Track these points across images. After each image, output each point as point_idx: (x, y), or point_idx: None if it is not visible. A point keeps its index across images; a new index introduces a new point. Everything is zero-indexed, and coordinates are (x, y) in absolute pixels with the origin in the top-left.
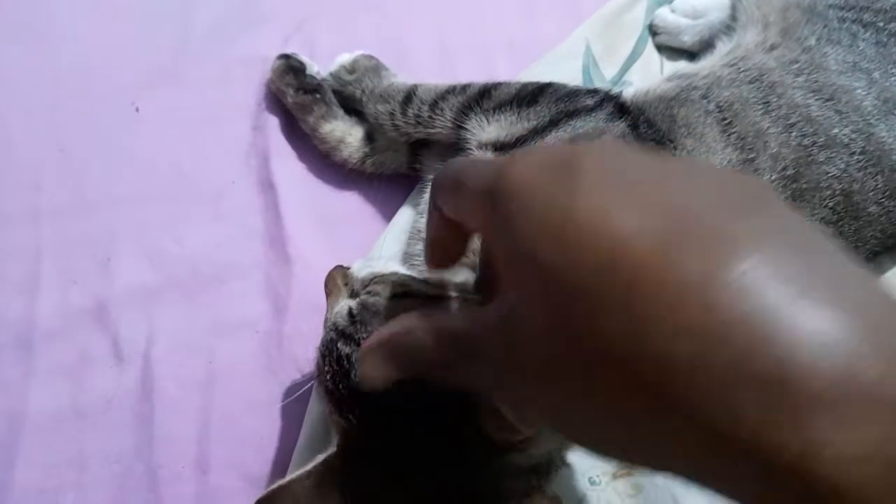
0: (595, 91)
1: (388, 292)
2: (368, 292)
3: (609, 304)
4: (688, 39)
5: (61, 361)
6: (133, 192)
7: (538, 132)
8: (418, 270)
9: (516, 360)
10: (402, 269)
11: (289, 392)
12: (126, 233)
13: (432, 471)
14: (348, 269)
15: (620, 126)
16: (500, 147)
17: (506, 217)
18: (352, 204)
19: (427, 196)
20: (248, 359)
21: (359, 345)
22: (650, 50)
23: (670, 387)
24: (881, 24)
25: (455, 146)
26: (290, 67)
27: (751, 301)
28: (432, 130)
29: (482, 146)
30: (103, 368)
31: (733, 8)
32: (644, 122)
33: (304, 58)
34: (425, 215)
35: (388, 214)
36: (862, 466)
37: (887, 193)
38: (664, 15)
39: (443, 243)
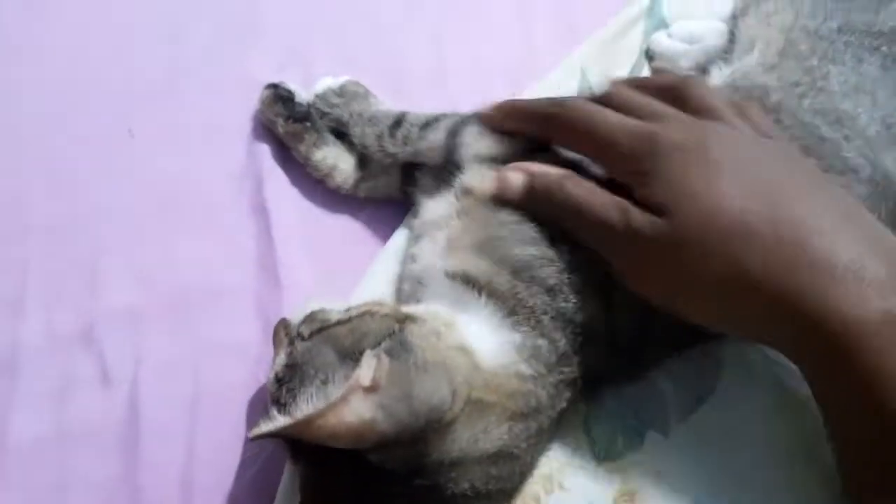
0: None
1: (309, 331)
2: (299, 335)
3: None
4: (684, 64)
5: (46, 384)
6: (124, 212)
7: (536, 150)
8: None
9: (674, 261)
10: (329, 304)
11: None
12: (116, 253)
13: None
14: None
15: None
16: (496, 161)
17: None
18: (345, 228)
19: (418, 221)
20: (236, 383)
21: (285, 406)
22: (646, 74)
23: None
24: (884, 48)
25: (446, 169)
26: (279, 97)
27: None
28: (422, 147)
29: (478, 159)
30: (89, 391)
31: (731, 32)
32: None
33: (293, 86)
34: (417, 242)
35: (382, 239)
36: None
37: (891, 223)
38: (660, 40)
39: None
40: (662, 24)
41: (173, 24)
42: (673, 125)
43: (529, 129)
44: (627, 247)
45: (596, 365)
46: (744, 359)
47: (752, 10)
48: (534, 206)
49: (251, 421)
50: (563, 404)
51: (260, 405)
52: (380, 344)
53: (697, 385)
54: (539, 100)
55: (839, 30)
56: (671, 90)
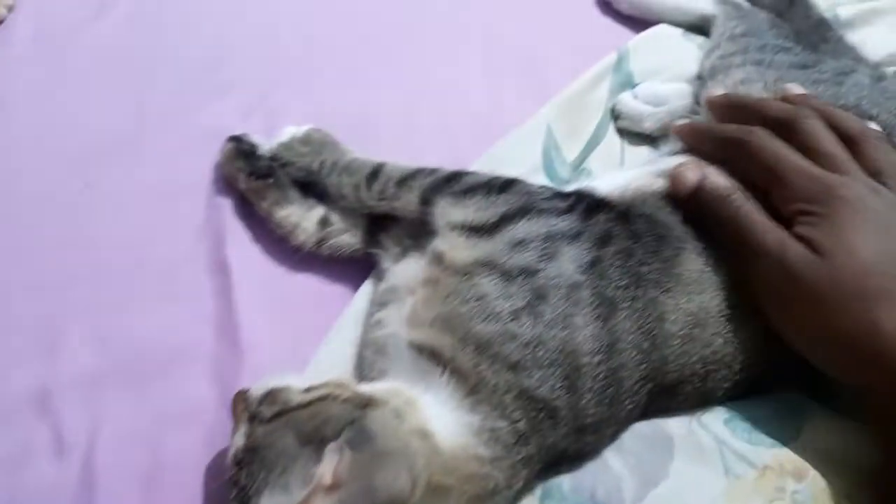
0: (565, 194)
1: (269, 413)
2: (259, 417)
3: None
4: (649, 126)
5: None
6: (81, 272)
7: (507, 218)
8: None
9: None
10: (289, 380)
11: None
12: (73, 315)
13: None
14: (247, 391)
15: (601, 221)
16: (468, 229)
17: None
18: (308, 287)
19: (384, 287)
20: (193, 450)
21: (244, 490)
22: (611, 133)
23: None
24: None
25: (417, 228)
26: (241, 151)
27: None
28: (397, 205)
29: (450, 227)
30: (43, 460)
31: (694, 97)
32: (640, 218)
33: (256, 138)
34: (382, 308)
35: (346, 298)
36: None
37: None
38: (626, 100)
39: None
40: (629, 81)
41: (135, 75)
42: (850, 183)
43: (714, 151)
44: (775, 274)
45: (556, 443)
46: (694, 440)
47: (719, 76)
48: (699, 206)
49: (207, 489)
50: (520, 484)
51: (216, 473)
52: (340, 432)
53: (651, 468)
54: (730, 126)
55: None
56: (853, 141)
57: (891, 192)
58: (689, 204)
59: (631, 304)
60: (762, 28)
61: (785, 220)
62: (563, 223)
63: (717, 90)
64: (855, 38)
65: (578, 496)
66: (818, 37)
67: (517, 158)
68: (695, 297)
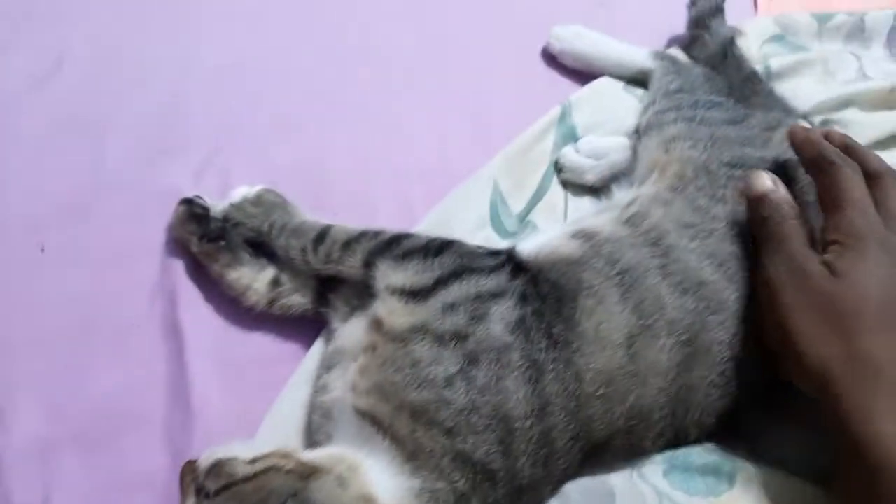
0: (497, 252)
1: (214, 487)
2: (205, 491)
3: None
4: (591, 178)
5: None
6: (32, 336)
7: (441, 282)
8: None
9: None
10: (236, 450)
11: None
12: (24, 381)
13: None
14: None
15: (519, 285)
16: (406, 293)
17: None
18: (260, 348)
19: (331, 348)
20: None
21: None
22: (556, 185)
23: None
24: None
25: (364, 289)
26: (193, 214)
27: None
28: (342, 268)
29: (390, 291)
30: None
31: (633, 150)
32: (546, 282)
33: (209, 201)
34: (328, 371)
35: (300, 357)
36: None
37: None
38: (569, 154)
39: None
40: (572, 134)
41: (88, 137)
42: (886, 232)
43: (810, 160)
44: (795, 280)
45: (496, 502)
46: (636, 491)
47: (653, 132)
48: (755, 211)
49: None
50: None
51: None
52: None
53: None
54: (831, 148)
55: (730, 164)
56: (880, 178)
57: None
58: (749, 206)
59: (554, 365)
60: (696, 83)
61: (822, 245)
62: (491, 282)
63: (651, 145)
64: (786, 87)
65: None
66: (750, 90)
67: (465, 213)
68: (598, 354)
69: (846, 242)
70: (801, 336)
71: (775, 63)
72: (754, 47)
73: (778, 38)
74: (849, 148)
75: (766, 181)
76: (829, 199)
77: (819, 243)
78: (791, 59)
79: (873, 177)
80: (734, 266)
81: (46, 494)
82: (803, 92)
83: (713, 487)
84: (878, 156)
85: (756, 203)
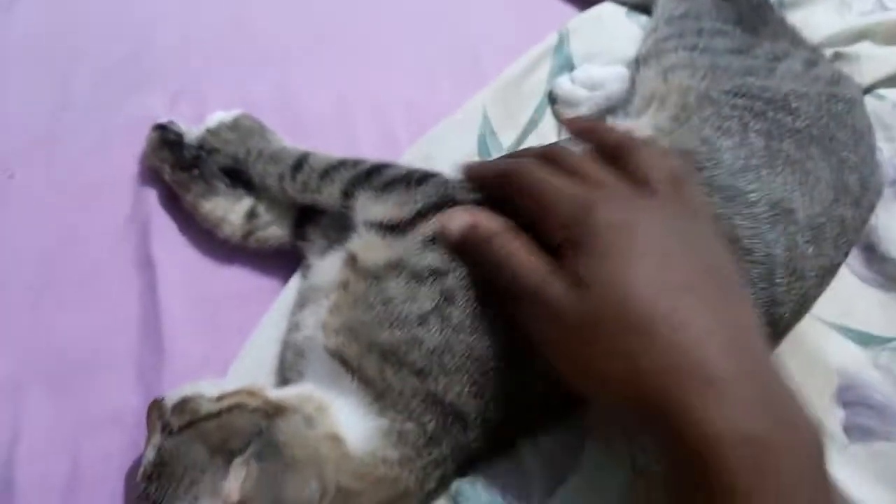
0: None
1: (178, 423)
2: (169, 428)
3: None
4: (585, 110)
5: None
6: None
7: (422, 215)
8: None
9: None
10: (203, 387)
11: None
12: None
13: None
14: (162, 400)
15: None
16: (385, 228)
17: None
18: (236, 283)
19: (306, 285)
20: (115, 455)
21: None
22: (548, 118)
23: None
24: (770, 115)
25: (341, 221)
26: (166, 141)
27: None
28: (319, 198)
29: (368, 225)
30: None
31: (631, 81)
32: None
33: (183, 127)
34: (301, 309)
35: (275, 293)
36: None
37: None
38: (563, 84)
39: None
40: (568, 64)
41: (55, 67)
42: (609, 199)
43: (494, 191)
44: (540, 314)
45: (467, 443)
46: (604, 433)
47: (652, 61)
48: (466, 254)
49: (127, 497)
50: (433, 485)
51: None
52: (248, 444)
53: (561, 462)
54: (497, 161)
55: (732, 92)
56: (619, 152)
57: (659, 206)
58: (460, 253)
59: None
60: (703, 10)
61: (556, 252)
62: None
63: (650, 74)
64: (797, 18)
65: (490, 492)
66: (759, 18)
67: (452, 145)
68: None
69: (575, 237)
70: (588, 375)
71: None
72: None
73: None
74: (583, 129)
75: (459, 219)
76: (530, 205)
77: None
78: None
79: (618, 149)
80: (741, 203)
81: (14, 435)
82: (816, 22)
83: None
84: (611, 127)
85: (461, 247)
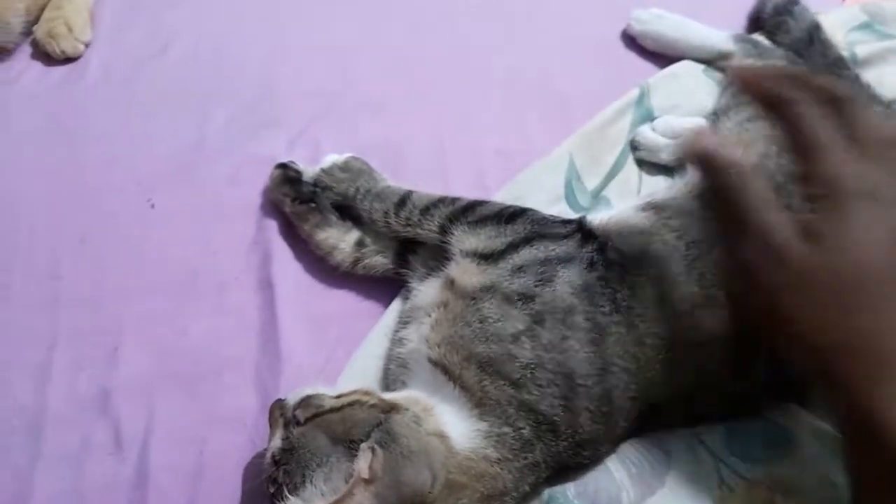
0: (568, 221)
1: (304, 416)
2: (295, 419)
3: None
4: (665, 157)
5: (66, 447)
6: (143, 283)
7: (513, 247)
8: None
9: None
10: (322, 389)
11: None
12: (134, 323)
13: None
14: (284, 400)
15: (588, 252)
16: (479, 256)
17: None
18: (343, 304)
19: (409, 305)
20: (235, 451)
21: (282, 487)
22: (630, 164)
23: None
24: None
25: (438, 251)
26: (287, 178)
27: None
28: (420, 232)
29: (464, 253)
30: (103, 455)
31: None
32: (613, 249)
33: (301, 166)
34: (405, 326)
35: (377, 314)
36: None
37: None
38: (645, 132)
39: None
40: (649, 116)
41: (194, 108)
42: (867, 172)
43: (764, 101)
44: (764, 250)
45: (559, 454)
46: (691, 454)
47: (731, 112)
48: (708, 173)
49: (245, 487)
50: (527, 488)
51: (253, 473)
52: (369, 434)
53: (649, 477)
54: (784, 83)
55: None
56: (838, 103)
57: (886, 165)
58: (697, 167)
59: (616, 328)
60: (779, 64)
61: (804, 200)
62: (561, 248)
63: (729, 125)
64: (871, 76)
65: (582, 501)
66: (835, 75)
67: (540, 188)
68: (660, 321)
69: (826, 198)
70: (793, 320)
71: (861, 50)
72: (840, 35)
73: (865, 26)
74: (798, 78)
75: (708, 137)
76: (797, 146)
77: (797, 197)
78: (878, 46)
79: (836, 104)
80: None
81: (149, 425)
82: (889, 80)
83: (772, 455)
84: (833, 79)
85: (707, 163)
